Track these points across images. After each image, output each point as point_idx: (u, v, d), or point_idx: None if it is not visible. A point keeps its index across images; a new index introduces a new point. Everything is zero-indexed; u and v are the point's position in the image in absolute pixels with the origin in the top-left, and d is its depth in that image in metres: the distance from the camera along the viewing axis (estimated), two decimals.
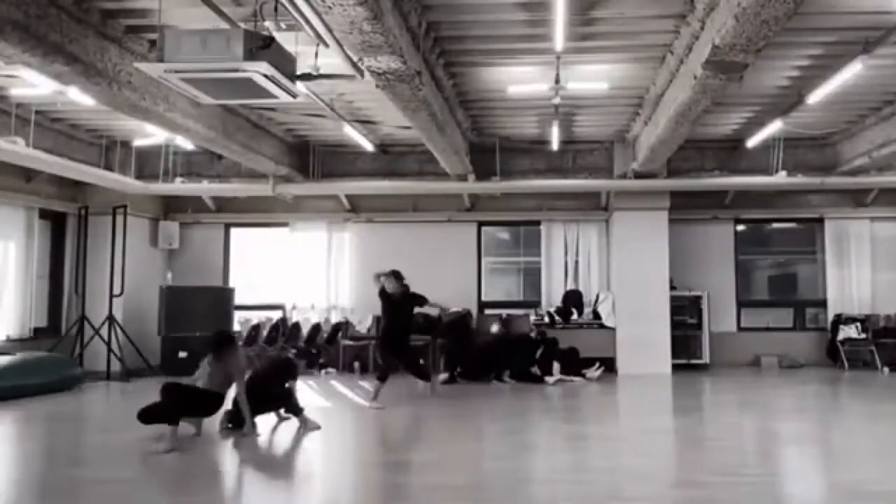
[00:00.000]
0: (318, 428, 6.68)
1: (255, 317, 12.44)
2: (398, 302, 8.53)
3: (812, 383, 10.43)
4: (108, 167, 11.09)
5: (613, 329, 11.50)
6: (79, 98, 7.16)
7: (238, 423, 6.67)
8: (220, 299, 12.07)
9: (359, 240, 12.67)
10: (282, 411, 7.04)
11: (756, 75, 7.50)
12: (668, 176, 11.28)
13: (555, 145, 10.63)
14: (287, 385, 7.04)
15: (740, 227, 12.78)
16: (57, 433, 7.23)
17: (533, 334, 11.11)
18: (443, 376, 10.34)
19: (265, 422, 6.95)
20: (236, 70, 4.77)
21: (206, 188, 11.88)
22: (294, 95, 5.39)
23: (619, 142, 11.28)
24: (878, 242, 12.30)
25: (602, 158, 11.60)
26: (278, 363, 7.71)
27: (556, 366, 10.50)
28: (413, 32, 6.37)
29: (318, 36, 5.26)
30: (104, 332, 10.65)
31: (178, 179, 11.45)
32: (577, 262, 12.41)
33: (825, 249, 12.46)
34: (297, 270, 12.60)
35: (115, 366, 10.63)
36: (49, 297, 11.40)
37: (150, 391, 7.84)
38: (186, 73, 4.87)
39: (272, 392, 6.89)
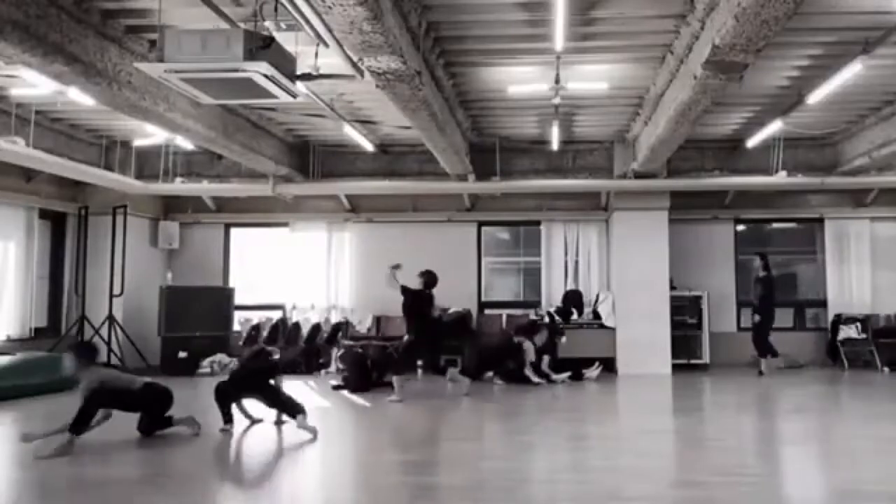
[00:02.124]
0: (315, 432, 6.45)
1: (255, 317, 12.45)
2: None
3: (812, 383, 10.43)
4: (108, 167, 11.09)
5: (613, 329, 11.50)
6: (79, 98, 7.17)
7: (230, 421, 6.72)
8: (220, 299, 12.09)
9: (359, 240, 12.67)
10: (282, 416, 6.90)
11: (756, 75, 7.51)
12: (668, 176, 11.28)
13: (555, 145, 10.64)
14: (273, 383, 6.88)
15: (740, 227, 12.78)
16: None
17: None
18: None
19: (264, 425, 6.95)
20: (236, 70, 4.78)
21: (206, 188, 11.88)
22: (294, 95, 5.39)
23: (619, 142, 11.28)
24: (878, 242, 12.30)
25: (602, 158, 11.61)
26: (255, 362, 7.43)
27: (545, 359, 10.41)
28: (413, 32, 6.37)
29: (318, 36, 5.26)
30: (104, 332, 10.66)
31: (178, 179, 11.46)
32: (577, 262, 12.41)
33: (825, 249, 12.46)
34: (297, 270, 12.61)
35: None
36: (49, 297, 11.42)
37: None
38: (186, 73, 4.88)
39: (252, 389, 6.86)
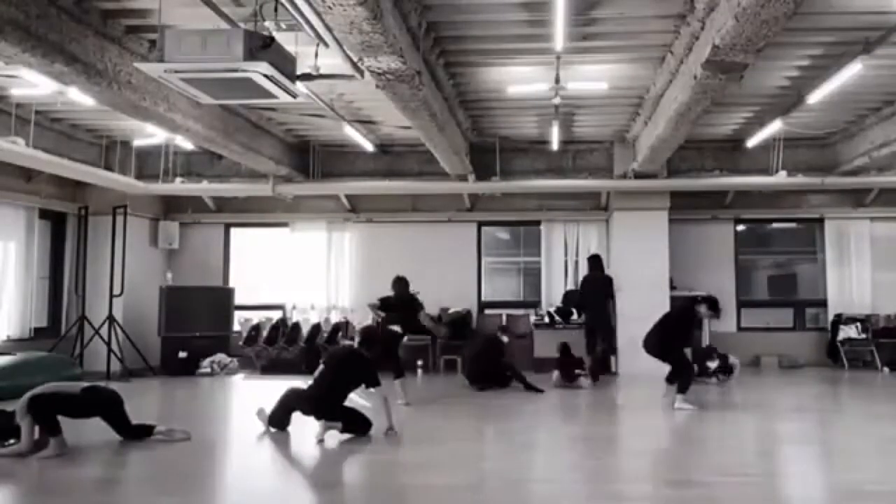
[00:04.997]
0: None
1: (255, 317, 12.46)
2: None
3: (812, 383, 10.43)
4: (108, 167, 11.09)
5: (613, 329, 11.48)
6: (79, 98, 7.17)
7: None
8: (220, 299, 12.10)
9: (359, 240, 12.67)
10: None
11: (756, 75, 7.51)
12: (668, 176, 11.28)
13: (555, 145, 10.64)
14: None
15: (740, 227, 12.79)
16: None
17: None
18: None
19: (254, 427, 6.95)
20: (236, 70, 4.77)
21: (206, 188, 11.88)
22: (294, 95, 5.39)
23: (619, 142, 11.28)
24: (878, 242, 12.31)
25: (602, 158, 11.61)
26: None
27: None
28: (413, 32, 6.37)
29: (318, 36, 5.26)
30: (104, 332, 10.65)
31: (178, 179, 11.46)
32: (577, 262, 12.41)
33: (825, 249, 12.47)
34: (297, 270, 12.61)
35: (115, 366, 10.61)
36: (49, 297, 11.41)
37: (150, 391, 7.82)
38: (186, 73, 4.87)
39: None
